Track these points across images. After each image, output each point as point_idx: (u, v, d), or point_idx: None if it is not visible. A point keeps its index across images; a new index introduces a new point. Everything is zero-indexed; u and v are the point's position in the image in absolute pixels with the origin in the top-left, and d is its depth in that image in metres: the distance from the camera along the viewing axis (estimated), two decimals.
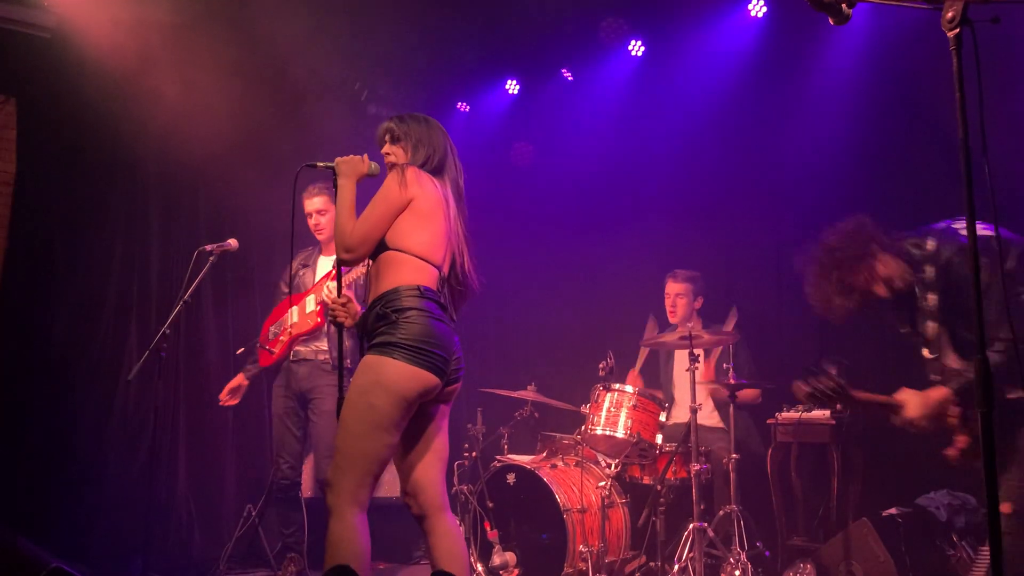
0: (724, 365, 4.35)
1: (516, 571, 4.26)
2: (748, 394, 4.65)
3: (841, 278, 2.76)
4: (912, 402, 2.69)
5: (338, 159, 2.85)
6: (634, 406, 4.28)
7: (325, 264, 4.53)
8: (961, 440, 2.65)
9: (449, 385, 2.69)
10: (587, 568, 4.09)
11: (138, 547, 4.37)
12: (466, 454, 4.73)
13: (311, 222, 4.53)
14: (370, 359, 2.57)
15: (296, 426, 4.45)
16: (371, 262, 2.77)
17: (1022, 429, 2.58)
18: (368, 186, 2.84)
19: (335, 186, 2.82)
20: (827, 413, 4.25)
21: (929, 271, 2.70)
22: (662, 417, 4.36)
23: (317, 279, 4.50)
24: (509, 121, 6.51)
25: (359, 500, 2.50)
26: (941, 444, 4.35)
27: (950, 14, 1.73)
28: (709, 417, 4.76)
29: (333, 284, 4.37)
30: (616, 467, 4.39)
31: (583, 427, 4.38)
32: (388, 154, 2.90)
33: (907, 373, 2.90)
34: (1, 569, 3.17)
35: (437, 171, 2.85)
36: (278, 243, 5.62)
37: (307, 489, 4.80)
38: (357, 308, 2.84)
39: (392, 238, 2.70)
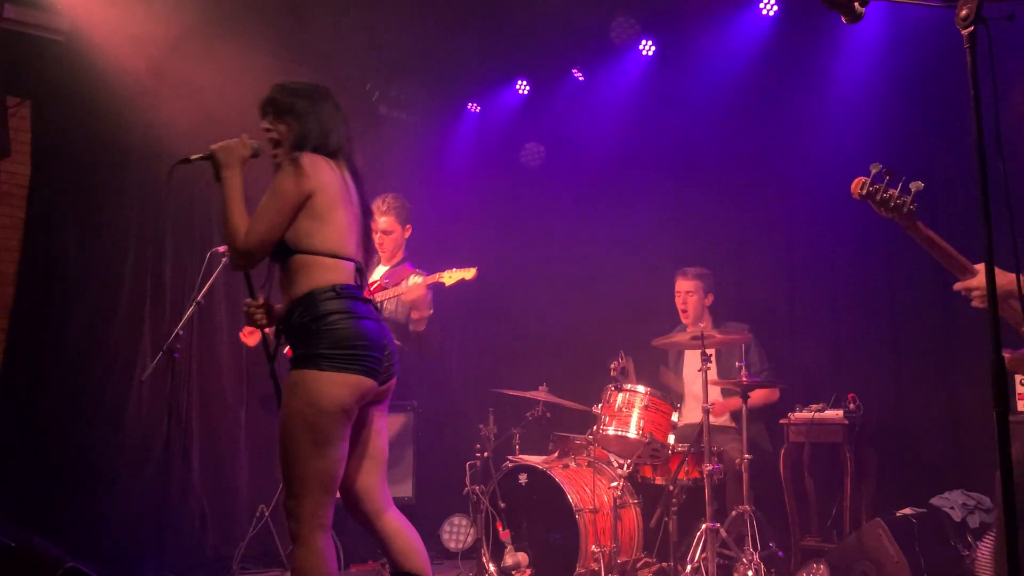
0: (736, 364, 4.33)
1: (528, 571, 4.26)
2: (761, 394, 4.62)
3: None
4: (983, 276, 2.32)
5: (214, 147, 2.57)
6: (646, 406, 4.27)
7: (378, 272, 4.58)
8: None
9: (383, 384, 2.53)
10: (599, 569, 4.08)
11: (152, 546, 4.40)
12: (478, 454, 4.73)
13: (375, 238, 4.42)
14: (299, 376, 2.39)
15: None
16: (275, 265, 2.56)
17: None
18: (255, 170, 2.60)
19: (217, 179, 2.55)
20: (840, 413, 4.24)
21: None
22: (674, 417, 4.35)
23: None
24: (520, 121, 6.51)
25: (321, 522, 2.37)
26: (955, 444, 4.36)
27: (964, 12, 1.72)
28: (722, 417, 4.75)
29: (382, 293, 4.41)
30: (628, 467, 4.37)
31: (595, 427, 4.37)
32: (269, 130, 2.61)
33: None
34: (17, 569, 3.18)
35: (333, 152, 2.57)
36: None
37: None
38: (276, 309, 2.66)
39: (295, 240, 2.47)
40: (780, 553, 4.24)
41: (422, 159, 6.59)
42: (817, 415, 4.28)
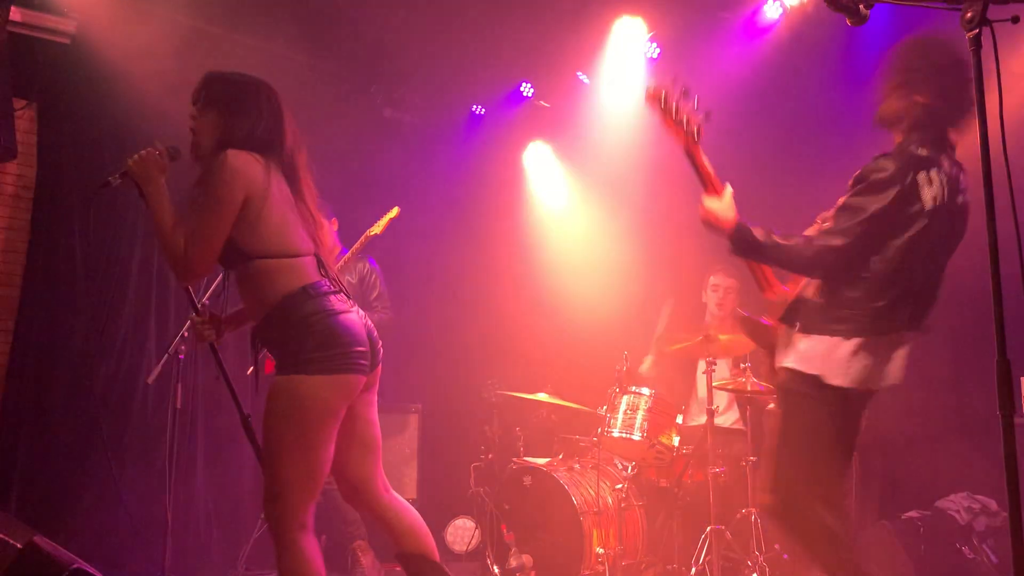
0: (742, 364, 4.32)
1: (532, 573, 4.26)
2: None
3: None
4: (717, 203, 2.57)
5: (129, 162, 2.47)
6: (650, 408, 4.27)
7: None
8: None
9: (370, 372, 2.50)
10: (604, 571, 4.08)
11: (158, 548, 4.40)
12: (482, 456, 4.73)
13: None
14: (286, 381, 2.36)
15: None
16: (230, 272, 2.48)
17: None
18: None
19: (141, 195, 2.45)
20: None
21: None
22: (679, 419, 4.34)
23: None
24: (524, 123, 6.51)
25: (302, 523, 2.35)
26: (961, 447, 4.34)
27: (969, 14, 1.72)
28: (727, 418, 4.74)
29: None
30: (633, 469, 4.37)
31: (600, 429, 4.37)
32: (195, 117, 2.52)
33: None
34: (24, 570, 3.19)
35: (264, 147, 2.45)
36: None
37: None
38: (222, 319, 2.63)
39: (249, 245, 2.38)
40: (785, 556, 4.23)
41: (425, 160, 6.60)
42: None
